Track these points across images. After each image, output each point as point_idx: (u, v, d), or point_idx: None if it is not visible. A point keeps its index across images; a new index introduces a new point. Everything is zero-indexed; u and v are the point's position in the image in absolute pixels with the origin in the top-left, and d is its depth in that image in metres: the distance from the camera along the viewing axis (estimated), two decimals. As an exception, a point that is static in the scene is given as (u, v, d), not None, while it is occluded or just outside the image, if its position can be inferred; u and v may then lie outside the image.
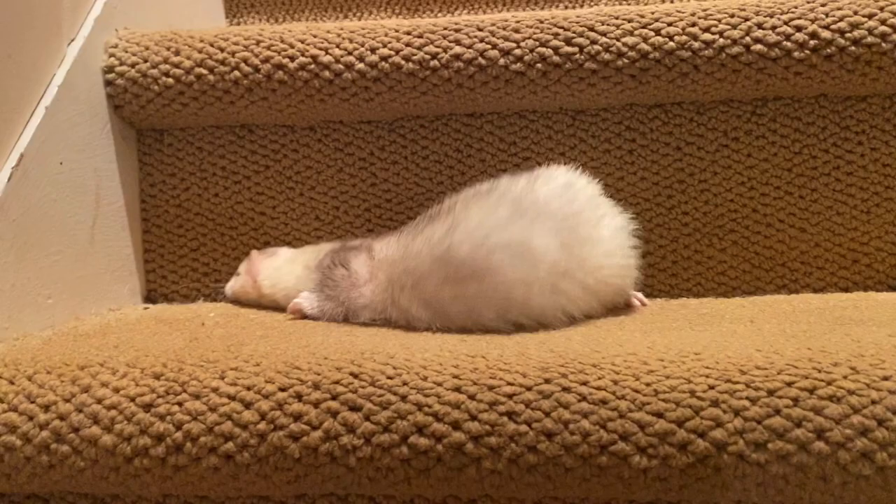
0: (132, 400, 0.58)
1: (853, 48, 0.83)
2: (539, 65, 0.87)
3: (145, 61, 0.92)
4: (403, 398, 0.56)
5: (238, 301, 0.94)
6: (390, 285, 0.76)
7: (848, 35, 0.83)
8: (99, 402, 0.58)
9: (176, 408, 0.57)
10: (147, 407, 0.58)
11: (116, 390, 0.59)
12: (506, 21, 0.88)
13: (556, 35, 0.87)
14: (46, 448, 0.58)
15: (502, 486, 0.55)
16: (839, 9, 0.84)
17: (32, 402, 0.59)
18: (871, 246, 0.89)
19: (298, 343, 0.66)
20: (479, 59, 0.88)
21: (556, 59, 0.86)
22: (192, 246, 0.99)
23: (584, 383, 0.55)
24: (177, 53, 0.92)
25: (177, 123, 0.97)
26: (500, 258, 0.70)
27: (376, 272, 0.79)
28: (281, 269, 0.90)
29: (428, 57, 0.88)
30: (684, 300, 0.88)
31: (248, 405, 0.57)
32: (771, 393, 0.53)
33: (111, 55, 0.92)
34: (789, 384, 0.53)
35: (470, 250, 0.71)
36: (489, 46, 0.87)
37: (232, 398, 0.57)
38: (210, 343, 0.68)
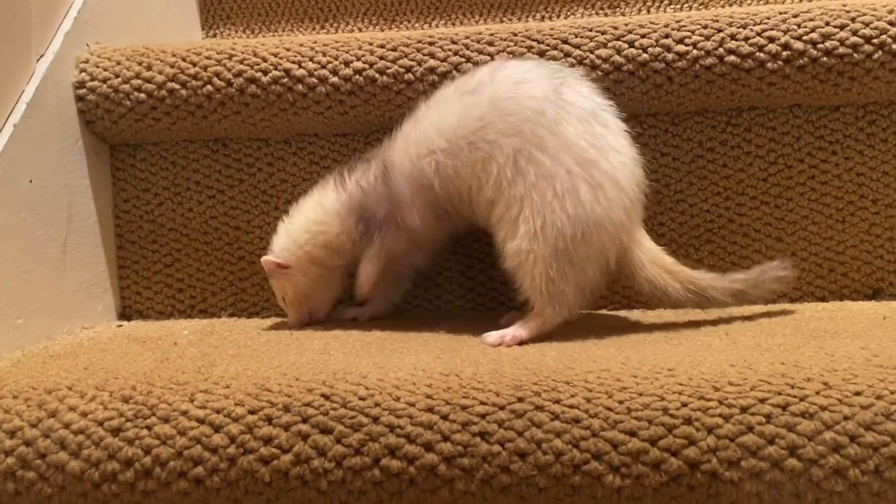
0: (100, 424, 0.57)
1: (825, 59, 0.83)
2: (513, 77, 0.86)
3: (117, 76, 0.91)
4: (375, 420, 0.55)
5: (310, 319, 0.89)
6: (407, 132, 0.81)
7: (820, 46, 0.83)
8: (66, 426, 0.57)
9: (145, 432, 0.57)
10: (115, 431, 0.57)
11: (84, 414, 0.58)
12: (480, 34, 0.88)
13: (529, 48, 0.86)
14: (12, 475, 0.57)
15: (476, 507, 0.54)
16: (811, 20, 0.84)
17: (-2, 428, 0.58)
18: (846, 255, 0.90)
19: (270, 363, 0.66)
20: (454, 72, 0.87)
21: (530, 71, 0.86)
22: (166, 262, 0.98)
23: (557, 401, 0.55)
24: (149, 68, 0.91)
25: (150, 138, 0.96)
26: (503, 78, 0.76)
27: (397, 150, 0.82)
28: (290, 226, 0.86)
29: (402, 70, 0.88)
30: (661, 311, 0.88)
31: (217, 429, 0.56)
32: (744, 410, 0.53)
33: (82, 70, 0.92)
34: (762, 401, 0.53)
35: (485, 73, 0.78)
36: (463, 60, 0.87)
37: (201, 421, 0.56)
38: (181, 363, 0.67)
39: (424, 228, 0.81)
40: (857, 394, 0.53)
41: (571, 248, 0.72)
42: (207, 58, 0.90)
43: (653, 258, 0.77)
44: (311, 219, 0.85)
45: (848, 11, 0.84)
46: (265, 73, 0.89)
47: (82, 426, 0.57)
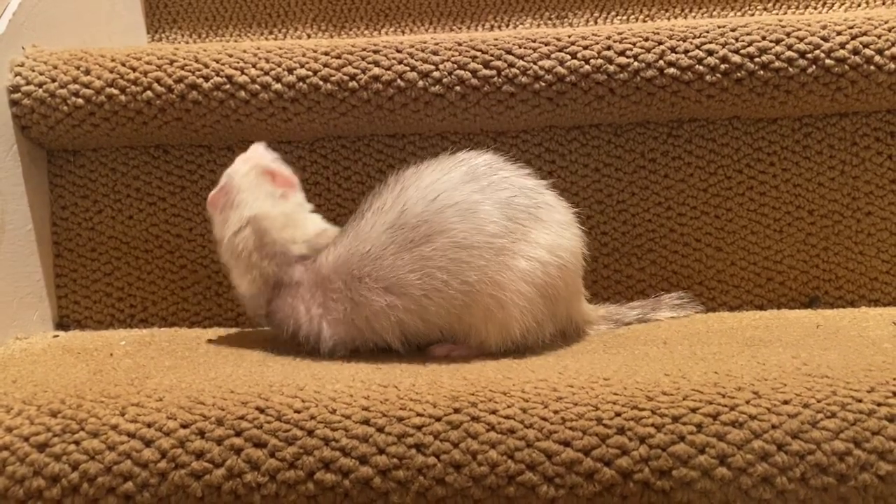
0: (26, 440, 0.56)
1: (762, 72, 0.85)
2: (458, 87, 0.86)
3: (53, 81, 0.89)
4: (310, 433, 0.55)
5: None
6: (346, 283, 0.72)
7: (757, 59, 0.85)
8: (-10, 442, 0.56)
9: (72, 447, 0.55)
10: (41, 447, 0.55)
11: (9, 430, 0.56)
12: (425, 43, 0.88)
13: (474, 58, 0.87)
14: (-68, 493, 0.55)
15: (411, 519, 0.54)
16: (748, 34, 0.86)
17: (-83, 445, 0.56)
18: (783, 264, 0.92)
19: (206, 375, 0.65)
20: (398, 81, 0.87)
21: (474, 81, 0.86)
22: (105, 270, 0.96)
23: (493, 412, 0.55)
24: (87, 73, 0.89)
25: (89, 144, 0.94)
26: (449, 215, 0.69)
27: (314, 288, 0.75)
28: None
29: (346, 78, 0.87)
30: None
31: (148, 443, 0.55)
32: (676, 419, 0.53)
33: (17, 74, 0.89)
34: (694, 410, 0.54)
35: (423, 209, 0.70)
36: (408, 69, 0.87)
37: (132, 436, 0.55)
38: (114, 376, 0.65)
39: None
40: (786, 402, 0.54)
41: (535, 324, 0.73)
42: (147, 63, 0.89)
43: (585, 320, 0.81)
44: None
45: (783, 26, 0.86)
46: (207, 79, 0.88)
47: (7, 442, 0.55)
